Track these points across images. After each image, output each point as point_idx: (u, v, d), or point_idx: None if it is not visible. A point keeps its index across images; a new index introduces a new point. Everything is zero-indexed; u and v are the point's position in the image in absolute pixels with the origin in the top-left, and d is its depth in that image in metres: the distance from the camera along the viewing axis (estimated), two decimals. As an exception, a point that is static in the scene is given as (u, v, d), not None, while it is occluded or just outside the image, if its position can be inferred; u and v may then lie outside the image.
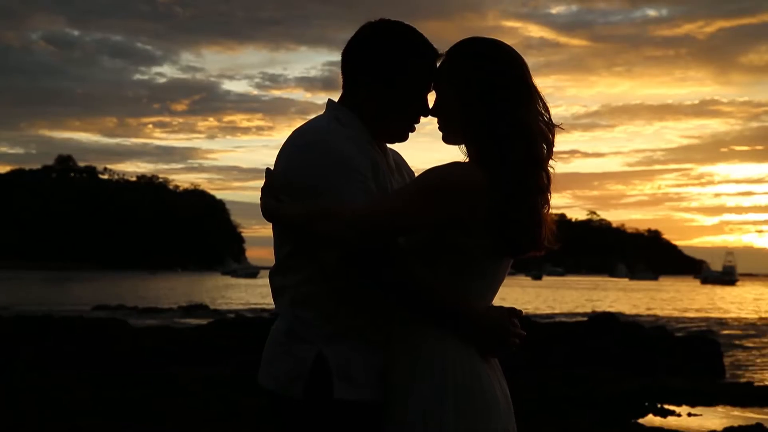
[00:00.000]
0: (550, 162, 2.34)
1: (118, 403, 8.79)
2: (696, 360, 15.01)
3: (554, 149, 2.35)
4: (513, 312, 2.36)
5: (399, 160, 2.59)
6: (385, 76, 2.37)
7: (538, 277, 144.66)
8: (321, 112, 2.49)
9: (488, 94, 2.28)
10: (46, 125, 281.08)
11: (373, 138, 2.41)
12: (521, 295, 58.46)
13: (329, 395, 2.29)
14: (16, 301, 38.22)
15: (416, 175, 2.48)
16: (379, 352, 2.34)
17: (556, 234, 2.36)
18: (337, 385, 2.29)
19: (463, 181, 2.21)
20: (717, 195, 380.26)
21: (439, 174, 2.24)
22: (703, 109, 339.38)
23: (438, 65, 2.39)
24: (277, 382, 2.36)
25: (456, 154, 2.41)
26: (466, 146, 2.37)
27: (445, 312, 2.25)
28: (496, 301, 2.44)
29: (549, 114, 2.35)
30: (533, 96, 2.32)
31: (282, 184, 2.33)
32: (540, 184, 2.29)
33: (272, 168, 2.40)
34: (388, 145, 2.54)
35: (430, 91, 2.42)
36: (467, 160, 2.36)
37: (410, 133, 2.48)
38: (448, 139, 2.39)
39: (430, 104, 2.42)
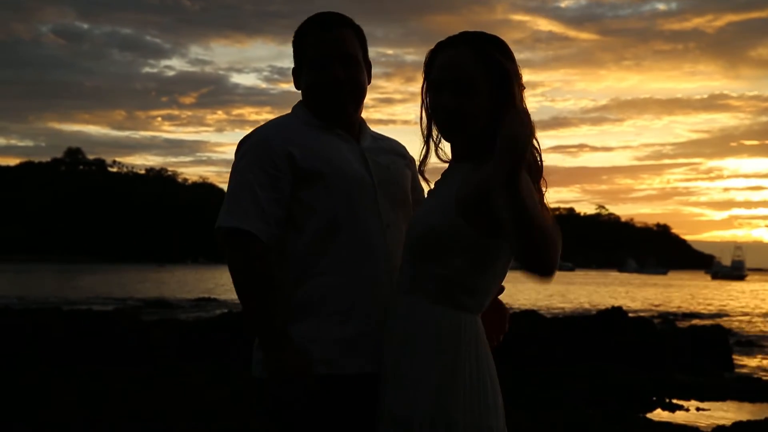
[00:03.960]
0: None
1: (125, 396, 8.81)
2: (705, 355, 14.97)
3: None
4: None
5: (394, 145, 2.68)
6: (297, 62, 2.62)
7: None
8: None
9: (515, 91, 2.26)
10: (55, 118, 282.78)
11: (325, 122, 2.53)
12: (530, 289, 58.39)
13: None
14: (25, 294, 38.37)
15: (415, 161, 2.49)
16: (340, 325, 2.37)
17: None
18: None
19: None
20: (726, 189, 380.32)
21: None
22: (712, 103, 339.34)
23: (459, 52, 2.28)
24: (257, 368, 2.42)
25: None
26: (471, 139, 2.29)
27: None
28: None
29: None
30: None
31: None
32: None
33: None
34: (387, 135, 2.69)
35: (329, 54, 2.50)
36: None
37: (343, 86, 2.52)
38: (460, 128, 2.29)
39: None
